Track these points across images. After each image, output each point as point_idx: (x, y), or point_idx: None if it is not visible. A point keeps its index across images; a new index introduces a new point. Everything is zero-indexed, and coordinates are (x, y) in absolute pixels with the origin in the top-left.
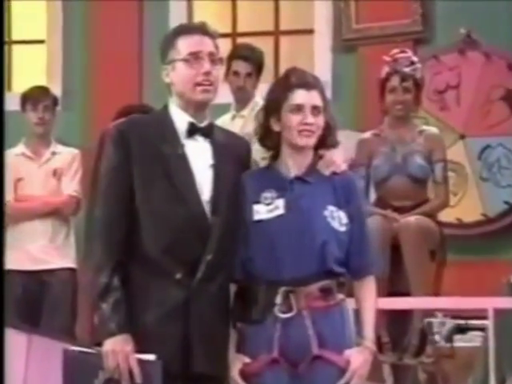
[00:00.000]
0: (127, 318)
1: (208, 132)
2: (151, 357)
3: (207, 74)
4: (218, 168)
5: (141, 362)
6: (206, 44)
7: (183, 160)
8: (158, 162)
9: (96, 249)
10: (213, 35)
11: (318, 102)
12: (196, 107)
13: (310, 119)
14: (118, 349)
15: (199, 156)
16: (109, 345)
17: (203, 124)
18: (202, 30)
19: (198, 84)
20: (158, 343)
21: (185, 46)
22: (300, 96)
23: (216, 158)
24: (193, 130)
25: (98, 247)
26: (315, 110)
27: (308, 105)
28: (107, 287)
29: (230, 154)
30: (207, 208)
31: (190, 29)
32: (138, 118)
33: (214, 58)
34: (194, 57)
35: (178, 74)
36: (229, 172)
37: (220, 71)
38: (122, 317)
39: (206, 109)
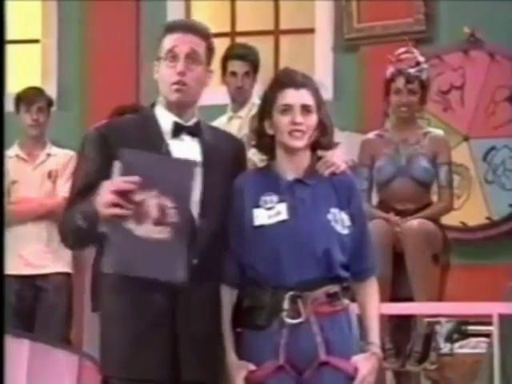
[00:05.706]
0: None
1: (195, 131)
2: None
3: (181, 74)
4: (207, 168)
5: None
6: (184, 42)
7: None
8: None
9: None
10: (198, 32)
11: (308, 101)
12: (177, 107)
13: (299, 119)
14: (101, 196)
15: (186, 156)
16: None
17: (189, 123)
18: (185, 27)
19: (172, 84)
20: (146, 350)
21: (165, 43)
22: (288, 95)
23: (205, 157)
24: (178, 130)
25: None
26: (305, 109)
27: (297, 104)
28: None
29: (221, 154)
30: (195, 211)
31: (174, 26)
32: (119, 120)
33: (194, 57)
34: (171, 55)
35: (160, 73)
36: (219, 173)
37: (201, 70)
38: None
39: (190, 108)
